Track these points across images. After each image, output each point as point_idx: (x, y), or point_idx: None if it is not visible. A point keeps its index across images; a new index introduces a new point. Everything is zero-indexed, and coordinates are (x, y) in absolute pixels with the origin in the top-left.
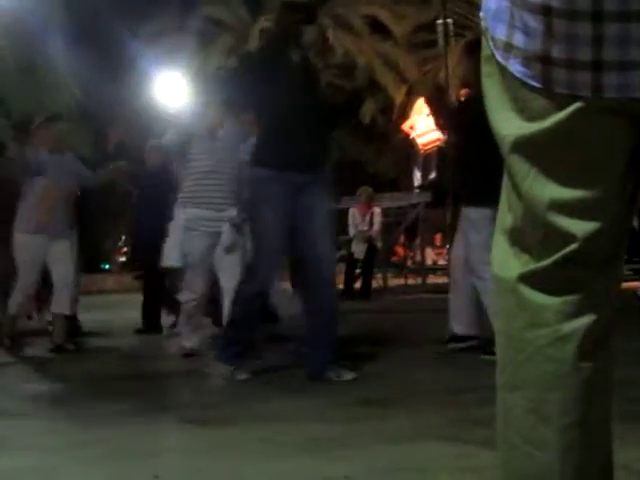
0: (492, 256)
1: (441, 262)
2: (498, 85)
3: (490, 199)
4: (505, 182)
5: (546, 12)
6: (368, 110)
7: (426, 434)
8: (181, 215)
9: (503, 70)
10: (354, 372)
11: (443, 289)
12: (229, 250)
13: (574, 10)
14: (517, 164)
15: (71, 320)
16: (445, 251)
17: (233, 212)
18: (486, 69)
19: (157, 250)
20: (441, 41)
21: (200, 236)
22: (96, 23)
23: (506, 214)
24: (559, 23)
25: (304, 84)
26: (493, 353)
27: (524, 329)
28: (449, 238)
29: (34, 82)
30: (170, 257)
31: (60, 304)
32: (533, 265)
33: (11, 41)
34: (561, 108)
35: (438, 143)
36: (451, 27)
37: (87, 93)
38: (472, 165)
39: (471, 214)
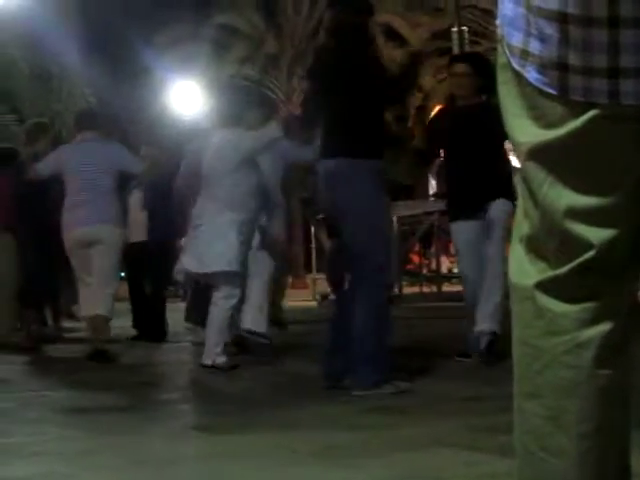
0: (509, 264)
1: (456, 270)
2: (514, 92)
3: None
4: (521, 190)
5: (562, 19)
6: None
7: (443, 442)
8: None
9: (519, 77)
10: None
11: (459, 297)
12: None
13: (590, 17)
14: (533, 171)
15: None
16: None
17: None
18: (502, 77)
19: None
20: (456, 49)
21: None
22: (111, 31)
23: (522, 221)
24: (575, 30)
25: (377, 73)
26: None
27: (541, 337)
28: None
29: (49, 90)
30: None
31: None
32: (550, 273)
33: (26, 49)
34: (577, 115)
35: None
36: (466, 35)
37: (102, 101)
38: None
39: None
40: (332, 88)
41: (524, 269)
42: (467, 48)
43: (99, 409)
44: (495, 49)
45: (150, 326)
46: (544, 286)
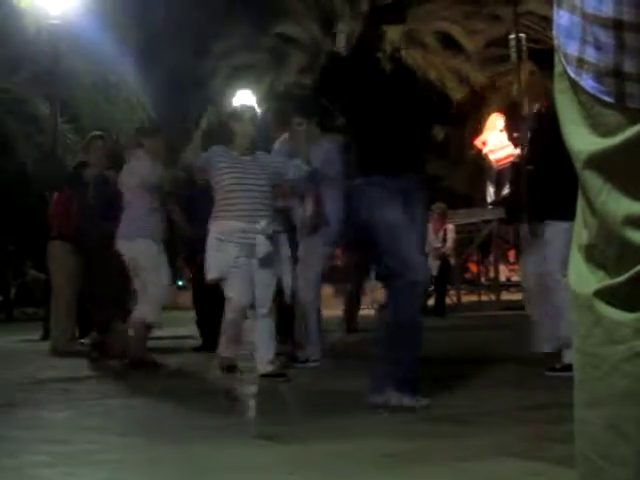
0: (569, 272)
1: (515, 278)
2: (571, 101)
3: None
4: (580, 198)
5: (617, 26)
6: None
7: (501, 451)
8: (214, 228)
9: (576, 86)
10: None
11: (518, 306)
12: (263, 262)
13: None
14: (591, 180)
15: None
16: (518, 267)
17: (265, 224)
18: (559, 85)
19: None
20: (514, 56)
21: (234, 247)
22: (168, 41)
23: (581, 230)
24: (631, 37)
25: (398, 86)
26: (555, 369)
27: (600, 345)
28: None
29: (107, 100)
30: (209, 270)
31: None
32: (609, 281)
33: (84, 59)
34: (634, 122)
35: (512, 158)
36: (524, 41)
37: (159, 111)
38: (550, 178)
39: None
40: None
41: (583, 278)
42: (525, 55)
43: (161, 417)
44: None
45: (214, 336)
46: (603, 294)
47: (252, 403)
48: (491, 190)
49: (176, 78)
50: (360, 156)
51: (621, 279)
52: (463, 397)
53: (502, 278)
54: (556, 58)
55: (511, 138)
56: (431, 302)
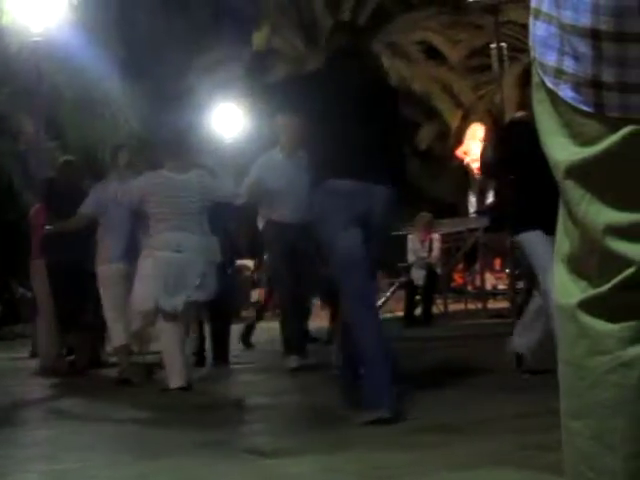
0: (554, 284)
1: (501, 287)
2: (549, 111)
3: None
4: (561, 208)
5: (595, 36)
6: (425, 135)
7: (492, 460)
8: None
9: (554, 96)
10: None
11: (504, 314)
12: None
13: (623, 32)
14: (572, 190)
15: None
16: (505, 275)
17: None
18: (537, 96)
19: None
20: (495, 65)
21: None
22: (151, 56)
23: (563, 240)
24: (609, 46)
25: (360, 100)
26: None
27: (585, 356)
28: (509, 262)
29: (91, 116)
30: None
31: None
32: (592, 291)
33: (68, 75)
34: (614, 132)
35: None
36: (505, 51)
37: (144, 125)
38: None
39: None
40: None
41: (567, 288)
42: (506, 64)
43: (150, 434)
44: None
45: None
46: (586, 305)
47: (242, 418)
48: (473, 199)
49: (161, 93)
50: (311, 160)
51: (604, 289)
52: (452, 406)
53: (488, 286)
54: (533, 69)
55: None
56: (418, 311)
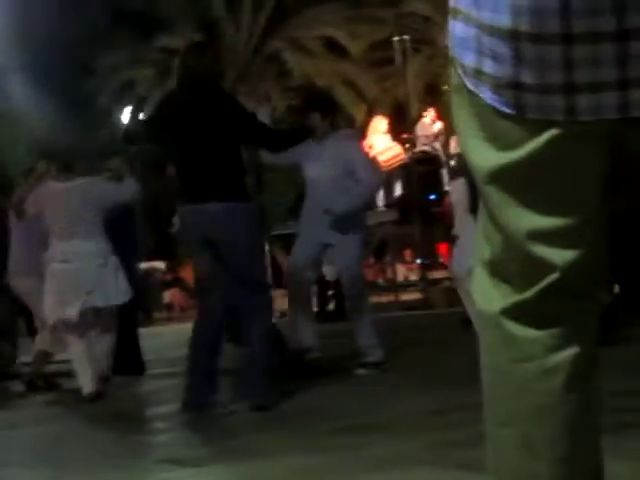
0: (473, 288)
1: (412, 278)
2: (469, 114)
3: None
4: (481, 212)
5: (515, 37)
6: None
7: (405, 460)
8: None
9: (474, 98)
10: None
11: (416, 305)
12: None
13: (543, 33)
14: (493, 194)
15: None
16: (415, 266)
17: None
18: (456, 99)
19: None
20: (399, 58)
21: None
22: (52, 60)
23: (484, 245)
24: (528, 47)
25: (197, 119)
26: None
27: (510, 363)
28: (419, 253)
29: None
30: None
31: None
32: (515, 298)
33: None
34: (535, 135)
35: (400, 159)
36: (408, 43)
37: (48, 131)
38: None
39: None
40: None
41: (488, 294)
42: (410, 56)
43: (61, 444)
44: (436, 56)
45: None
46: (509, 312)
47: (156, 426)
48: (381, 192)
49: (64, 98)
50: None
51: (528, 295)
52: (364, 404)
53: (400, 278)
54: (451, 70)
55: (399, 139)
56: (331, 306)
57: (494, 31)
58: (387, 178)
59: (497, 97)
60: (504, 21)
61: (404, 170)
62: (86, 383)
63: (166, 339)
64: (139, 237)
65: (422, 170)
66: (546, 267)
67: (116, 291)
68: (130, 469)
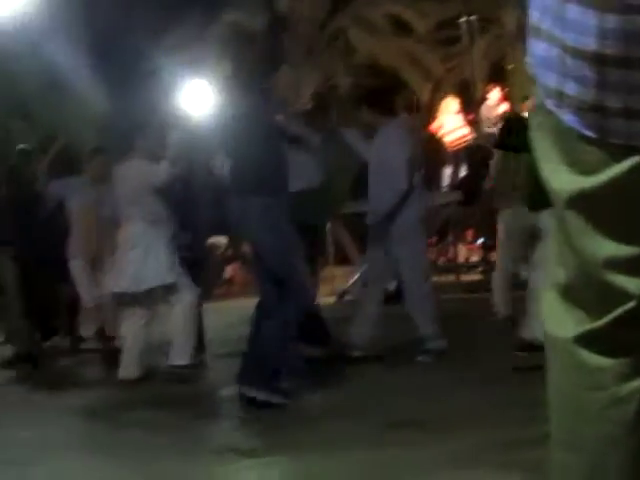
0: (543, 310)
1: (474, 259)
2: (549, 136)
3: None
4: (556, 235)
5: (600, 60)
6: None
7: (464, 460)
8: None
9: (555, 119)
10: None
11: (477, 287)
12: None
13: (630, 57)
14: (572, 219)
15: None
16: (476, 247)
17: None
18: (536, 119)
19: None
20: (465, 37)
21: None
22: (117, 36)
23: (558, 268)
24: (614, 71)
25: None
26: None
27: (582, 390)
28: (481, 234)
29: (58, 99)
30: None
31: None
32: (588, 325)
33: (33, 60)
34: (618, 160)
35: (465, 140)
36: (475, 23)
37: (113, 106)
38: None
39: None
40: None
41: (560, 319)
42: (476, 35)
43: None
44: (503, 36)
45: None
46: (582, 340)
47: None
48: (447, 173)
49: (128, 73)
50: None
51: (601, 323)
52: (426, 398)
53: (460, 259)
54: (534, 89)
55: (466, 120)
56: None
57: (578, 53)
58: (454, 159)
59: (579, 120)
60: (590, 44)
61: (469, 151)
62: (126, 366)
63: (226, 317)
64: (202, 213)
65: (485, 153)
66: (622, 295)
67: (165, 270)
68: (191, 460)
